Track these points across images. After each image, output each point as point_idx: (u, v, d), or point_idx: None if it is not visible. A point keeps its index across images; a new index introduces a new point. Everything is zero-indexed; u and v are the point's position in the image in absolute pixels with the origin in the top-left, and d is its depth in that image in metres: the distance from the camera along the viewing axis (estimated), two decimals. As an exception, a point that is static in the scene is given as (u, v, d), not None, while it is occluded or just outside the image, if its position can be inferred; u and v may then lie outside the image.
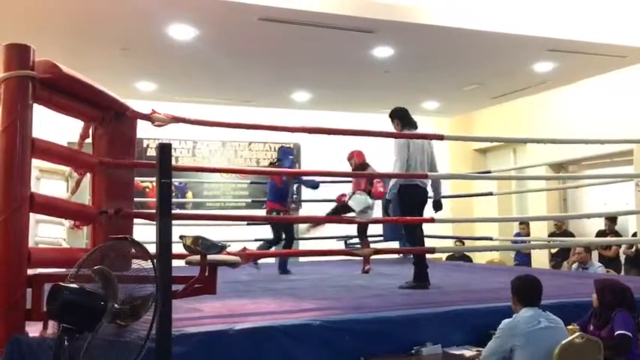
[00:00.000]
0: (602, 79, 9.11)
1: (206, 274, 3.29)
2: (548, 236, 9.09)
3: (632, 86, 8.74)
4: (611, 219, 8.14)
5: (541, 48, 7.73)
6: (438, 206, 5.55)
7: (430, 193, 5.48)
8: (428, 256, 6.87)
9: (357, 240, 8.51)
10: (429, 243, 7.24)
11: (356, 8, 6.39)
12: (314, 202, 9.62)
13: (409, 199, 5.22)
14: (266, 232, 7.26)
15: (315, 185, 7.32)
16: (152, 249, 2.60)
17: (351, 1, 6.41)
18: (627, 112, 8.60)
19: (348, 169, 7.20)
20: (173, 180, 9.95)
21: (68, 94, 3.41)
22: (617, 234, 8.22)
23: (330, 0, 6.35)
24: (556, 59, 8.26)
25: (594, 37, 7.48)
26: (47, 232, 6.85)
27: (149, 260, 2.18)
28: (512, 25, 7.11)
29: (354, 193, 6.51)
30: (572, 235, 9.20)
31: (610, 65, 8.50)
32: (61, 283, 2.08)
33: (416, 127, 5.43)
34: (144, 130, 4.12)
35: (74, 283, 2.14)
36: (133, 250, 2.37)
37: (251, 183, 9.98)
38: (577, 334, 3.18)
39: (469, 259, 9.93)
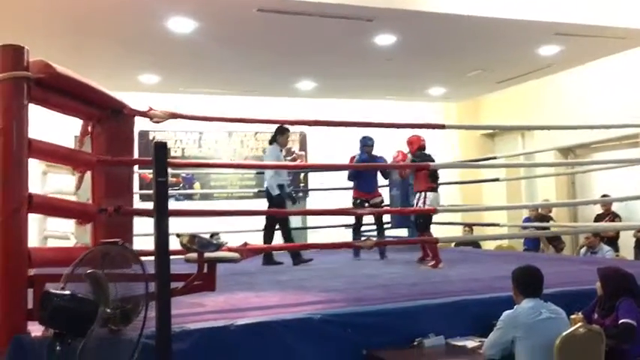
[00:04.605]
0: (609, 61, 9.00)
1: (204, 271, 3.29)
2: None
3: (637, 67, 8.62)
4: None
5: (547, 32, 7.62)
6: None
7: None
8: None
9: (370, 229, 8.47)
10: (436, 231, 7.24)
11: (353, -4, 6.34)
12: (322, 191, 9.68)
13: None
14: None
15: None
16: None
17: (348, -10, 6.35)
18: (634, 94, 8.50)
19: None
20: (181, 171, 10.09)
21: (64, 93, 3.41)
22: (615, 215, 8.18)
23: (327, -11, 6.30)
24: (561, 42, 8.14)
25: (600, 19, 7.36)
26: (56, 226, 6.91)
27: (139, 265, 2.18)
28: (517, 10, 7.00)
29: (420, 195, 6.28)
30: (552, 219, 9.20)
31: (616, 47, 8.38)
32: (51, 290, 2.10)
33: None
34: (150, 123, 4.07)
35: (66, 287, 2.15)
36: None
37: (257, 173, 9.97)
38: (578, 324, 3.15)
39: (478, 245, 9.90)
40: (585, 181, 9.90)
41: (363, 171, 7.09)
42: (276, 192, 6.53)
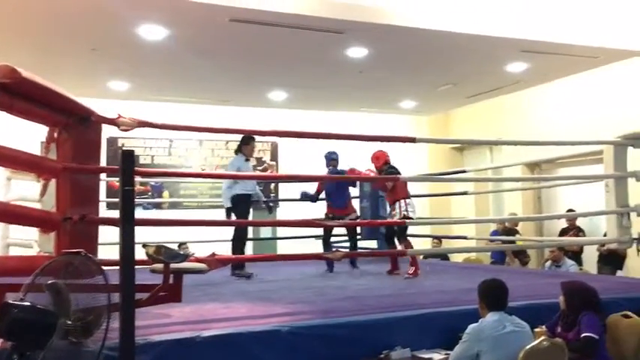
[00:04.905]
0: (575, 78, 9.24)
1: (170, 282, 3.25)
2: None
3: (603, 86, 8.88)
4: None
5: (514, 49, 7.80)
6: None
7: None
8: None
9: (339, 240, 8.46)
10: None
11: (325, 9, 6.37)
12: (292, 202, 9.64)
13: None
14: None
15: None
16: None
17: (320, 3, 6.39)
18: (599, 111, 8.74)
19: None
20: (150, 179, 9.90)
21: (29, 99, 3.34)
22: (579, 229, 8.35)
23: (300, 1, 6.33)
24: (529, 60, 8.33)
25: (566, 38, 7.56)
26: (20, 234, 6.76)
27: (102, 276, 2.14)
28: (484, 26, 7.15)
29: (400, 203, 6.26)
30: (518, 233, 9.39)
31: (582, 66, 8.62)
32: (10, 301, 2.04)
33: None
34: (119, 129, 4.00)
35: (26, 298, 2.10)
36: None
37: (228, 183, 9.89)
38: (542, 338, 3.20)
39: (446, 257, 9.99)
40: (551, 195, 10.10)
41: (332, 187, 7.05)
42: (228, 204, 6.43)
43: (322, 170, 7.24)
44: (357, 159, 7.30)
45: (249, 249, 6.68)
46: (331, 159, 7.08)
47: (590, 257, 8.28)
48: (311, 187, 7.45)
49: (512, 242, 8.42)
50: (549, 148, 7.33)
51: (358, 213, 7.74)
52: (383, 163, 6.46)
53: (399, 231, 6.39)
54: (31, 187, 6.20)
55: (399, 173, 6.36)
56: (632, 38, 7.90)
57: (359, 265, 7.19)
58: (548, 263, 7.71)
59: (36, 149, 5.36)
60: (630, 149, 5.45)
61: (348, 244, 7.95)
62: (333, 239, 7.66)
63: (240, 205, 6.43)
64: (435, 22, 6.93)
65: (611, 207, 5.39)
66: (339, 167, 7.12)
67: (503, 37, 7.28)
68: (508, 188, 9.52)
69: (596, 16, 7.52)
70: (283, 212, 10.62)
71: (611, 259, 7.77)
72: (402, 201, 6.22)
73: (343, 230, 7.51)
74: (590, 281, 4.16)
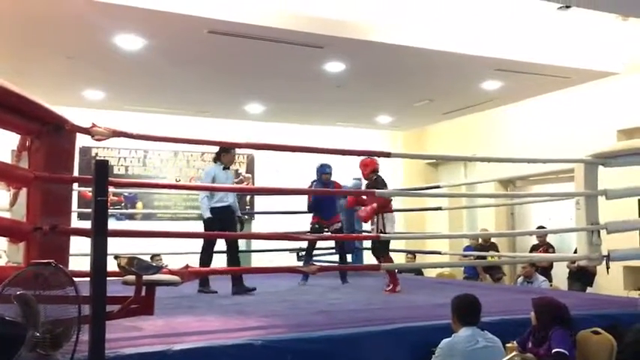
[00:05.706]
0: (548, 97, 9.43)
1: (143, 294, 3.20)
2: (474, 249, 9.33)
3: (575, 105, 9.10)
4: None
5: (489, 67, 7.93)
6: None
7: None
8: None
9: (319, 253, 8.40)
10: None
11: (304, 24, 6.40)
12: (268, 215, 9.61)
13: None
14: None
15: None
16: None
17: (299, 17, 6.42)
18: (571, 129, 8.93)
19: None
20: (124, 190, 9.63)
21: (2, 106, 3.28)
22: (549, 245, 8.48)
23: (278, 15, 6.35)
24: (503, 78, 8.48)
25: (540, 58, 7.71)
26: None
27: (73, 287, 2.10)
28: (460, 44, 7.26)
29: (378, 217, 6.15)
30: (496, 248, 9.46)
31: (554, 85, 8.79)
32: (-23, 313, 1.99)
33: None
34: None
35: (-6, 309, 2.05)
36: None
37: (203, 194, 9.81)
38: (513, 353, 3.23)
39: (420, 272, 10.04)
40: (524, 211, 10.24)
41: (322, 197, 7.02)
42: (207, 214, 6.17)
43: (302, 180, 7.25)
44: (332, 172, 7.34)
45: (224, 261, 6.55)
46: (324, 172, 7.03)
47: (560, 273, 8.41)
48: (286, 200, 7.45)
49: (484, 258, 8.50)
50: (522, 165, 7.44)
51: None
52: (371, 171, 6.36)
53: (378, 246, 6.25)
54: (1, 196, 6.07)
55: (385, 183, 6.37)
56: (603, 60, 8.11)
57: (329, 279, 7.12)
58: (521, 279, 7.80)
59: (6, 157, 5.26)
60: (601, 168, 5.56)
61: (327, 258, 7.96)
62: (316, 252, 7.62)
63: (224, 218, 6.20)
64: (412, 39, 7.02)
65: (581, 224, 5.47)
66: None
67: (479, 55, 7.41)
68: (482, 204, 9.63)
69: (568, 37, 7.69)
70: (259, 225, 10.58)
71: (581, 276, 7.88)
72: (380, 215, 6.15)
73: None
74: (561, 297, 4.21)
